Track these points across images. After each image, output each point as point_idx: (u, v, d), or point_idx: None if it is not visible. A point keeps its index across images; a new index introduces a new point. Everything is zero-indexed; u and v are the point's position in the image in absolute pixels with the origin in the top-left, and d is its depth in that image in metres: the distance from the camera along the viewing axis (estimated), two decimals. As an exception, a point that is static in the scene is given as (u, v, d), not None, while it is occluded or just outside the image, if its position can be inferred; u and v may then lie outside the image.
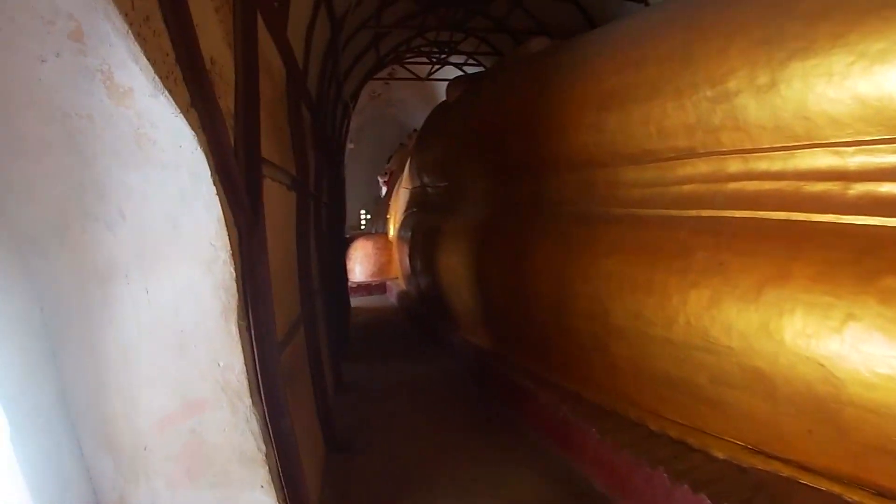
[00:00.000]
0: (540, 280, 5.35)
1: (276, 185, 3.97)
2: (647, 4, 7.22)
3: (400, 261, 12.11)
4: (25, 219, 2.23)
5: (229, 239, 2.40)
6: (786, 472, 3.32)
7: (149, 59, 1.79)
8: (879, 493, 2.92)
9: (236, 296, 2.46)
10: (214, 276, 2.42)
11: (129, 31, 1.70)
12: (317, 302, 5.61)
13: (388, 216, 16.52)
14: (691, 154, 4.15)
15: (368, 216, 23.67)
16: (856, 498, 2.98)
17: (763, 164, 3.69)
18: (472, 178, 8.08)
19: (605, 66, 4.87)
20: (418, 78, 15.41)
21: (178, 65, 2.01)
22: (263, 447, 2.61)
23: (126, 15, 1.69)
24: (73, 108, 1.94)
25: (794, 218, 3.42)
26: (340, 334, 8.55)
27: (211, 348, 2.48)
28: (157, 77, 1.85)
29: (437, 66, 14.44)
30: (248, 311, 2.61)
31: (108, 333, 2.44)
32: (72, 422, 2.52)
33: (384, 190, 20.12)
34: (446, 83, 10.29)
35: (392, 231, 15.40)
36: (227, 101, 2.58)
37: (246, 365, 2.53)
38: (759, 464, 3.46)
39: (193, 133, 2.09)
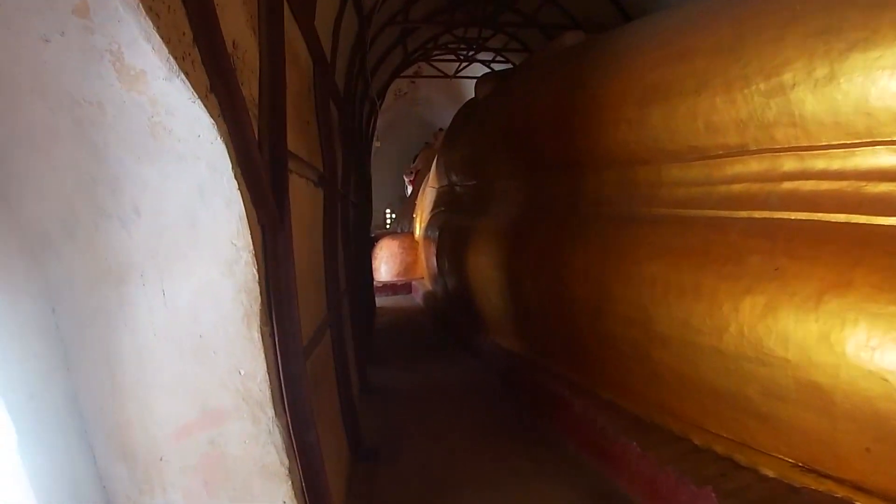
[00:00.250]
0: (576, 283, 5.13)
1: (303, 181, 3.81)
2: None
3: (426, 261, 11.98)
4: (35, 215, 2.08)
5: (252, 238, 2.22)
6: (840, 492, 3.16)
7: (162, 38, 1.61)
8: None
9: (259, 299, 2.29)
10: (236, 278, 2.25)
11: (140, 5, 1.52)
12: (343, 304, 5.45)
13: (413, 215, 16.46)
14: (742, 151, 3.95)
15: (394, 215, 23.64)
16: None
17: (821, 162, 3.52)
18: (502, 176, 7.92)
19: (647, 58, 4.65)
20: (445, 75, 15.29)
21: (195, 46, 1.82)
22: (287, 461, 2.44)
23: (135, -15, 1.50)
24: (82, 94, 1.76)
25: (854, 220, 3.24)
26: (366, 337, 8.41)
27: (231, 355, 2.32)
28: (171, 58, 1.66)
29: (464, 64, 14.29)
30: (271, 316, 2.44)
31: (122, 337, 2.28)
32: (84, 428, 2.38)
33: (410, 189, 20.14)
34: (473, 81, 10.21)
35: (418, 230, 15.33)
36: (250, 89, 2.40)
37: (269, 373, 2.36)
38: (812, 483, 3.29)
39: (213, 121, 1.90)
